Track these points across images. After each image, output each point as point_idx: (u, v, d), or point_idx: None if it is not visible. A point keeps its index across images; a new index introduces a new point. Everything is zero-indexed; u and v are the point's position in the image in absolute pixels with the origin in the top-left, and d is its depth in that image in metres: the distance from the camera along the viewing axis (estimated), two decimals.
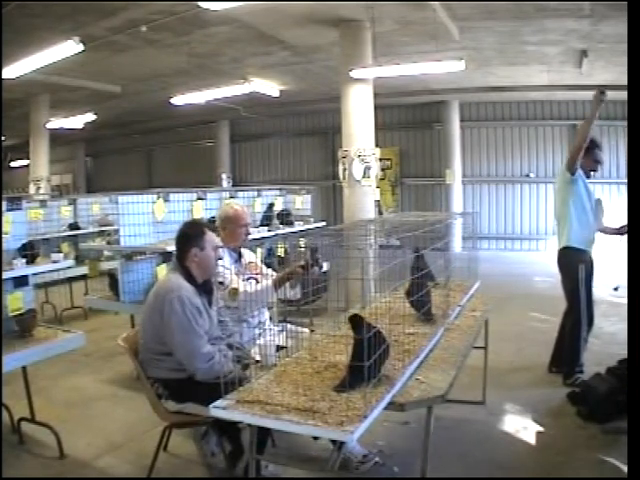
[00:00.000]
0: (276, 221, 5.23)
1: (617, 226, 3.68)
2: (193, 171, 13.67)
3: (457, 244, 7.44)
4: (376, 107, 6.23)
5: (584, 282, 3.55)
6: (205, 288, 2.45)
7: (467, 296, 3.10)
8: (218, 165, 13.01)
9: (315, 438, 2.45)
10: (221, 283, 2.70)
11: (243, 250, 3.04)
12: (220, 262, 2.74)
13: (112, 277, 4.34)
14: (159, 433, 2.44)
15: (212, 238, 2.47)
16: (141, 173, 14.96)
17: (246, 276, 2.97)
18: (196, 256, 2.40)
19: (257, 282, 2.99)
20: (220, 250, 2.89)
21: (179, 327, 2.24)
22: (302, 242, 4.85)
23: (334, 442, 2.17)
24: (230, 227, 3.03)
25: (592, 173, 3.67)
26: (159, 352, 2.33)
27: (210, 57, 7.20)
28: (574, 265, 3.55)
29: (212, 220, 4.32)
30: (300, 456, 2.67)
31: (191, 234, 2.45)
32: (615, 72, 7.64)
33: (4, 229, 3.07)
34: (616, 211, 8.67)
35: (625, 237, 3.55)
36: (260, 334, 2.73)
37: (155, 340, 2.33)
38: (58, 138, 11.57)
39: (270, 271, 3.18)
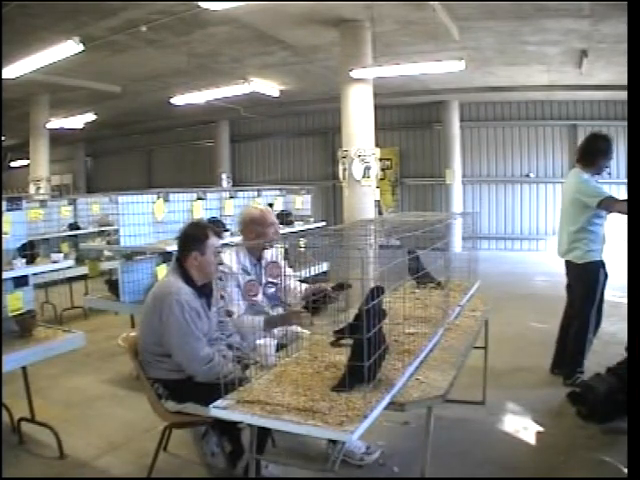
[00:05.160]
0: None
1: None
2: (193, 171, 13.67)
3: (457, 244, 7.46)
4: (376, 107, 6.22)
5: (601, 285, 3.52)
6: (204, 290, 2.44)
7: (467, 296, 3.10)
8: (218, 165, 13.00)
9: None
10: (222, 297, 2.63)
11: (267, 252, 2.94)
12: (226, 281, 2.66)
13: (110, 282, 4.33)
14: (159, 433, 2.45)
15: (214, 243, 2.44)
16: (141, 173, 14.96)
17: (264, 281, 2.88)
18: (196, 260, 2.39)
19: (275, 286, 2.91)
20: (240, 255, 2.82)
21: (177, 330, 2.24)
22: (302, 242, 4.88)
23: (333, 442, 2.17)
24: (258, 229, 2.90)
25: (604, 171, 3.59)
26: (158, 353, 2.33)
27: (210, 57, 7.20)
28: (596, 273, 3.50)
29: (212, 220, 4.33)
30: (300, 456, 2.67)
31: (194, 237, 2.43)
32: (615, 72, 7.65)
33: (4, 229, 3.07)
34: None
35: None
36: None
37: (154, 342, 2.33)
38: (58, 138, 11.56)
39: (291, 271, 3.12)
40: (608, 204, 3.35)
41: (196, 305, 2.32)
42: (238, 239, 3.01)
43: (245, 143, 13.39)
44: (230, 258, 2.79)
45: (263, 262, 2.91)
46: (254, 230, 2.91)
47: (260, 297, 2.83)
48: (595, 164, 3.52)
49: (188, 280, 2.37)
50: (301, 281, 3.16)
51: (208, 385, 2.06)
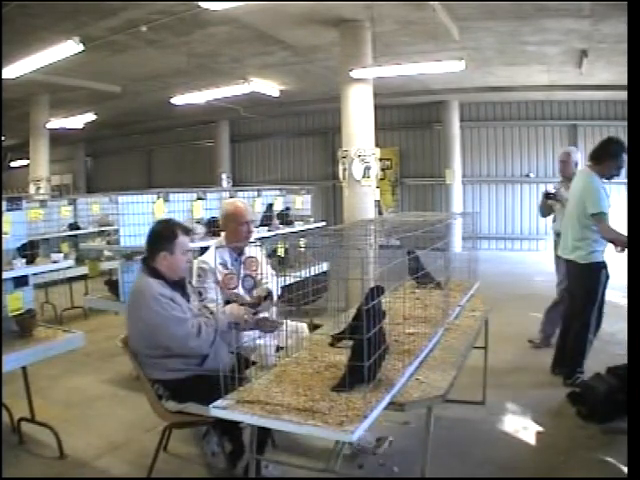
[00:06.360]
0: (276, 221, 5.23)
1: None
2: (193, 171, 13.68)
3: (457, 244, 7.46)
4: (376, 107, 6.22)
5: (602, 285, 3.51)
6: (178, 283, 2.43)
7: (467, 296, 3.10)
8: (218, 165, 13.00)
9: None
10: (200, 294, 2.69)
11: (247, 248, 3.01)
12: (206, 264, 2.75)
13: (110, 282, 4.34)
14: (159, 433, 2.45)
15: (183, 242, 2.42)
16: (141, 173, 14.96)
17: (242, 275, 2.96)
18: (165, 259, 2.37)
19: (253, 279, 2.99)
20: (221, 251, 2.90)
21: (163, 322, 2.23)
22: (302, 242, 4.88)
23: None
24: (231, 225, 3.01)
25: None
26: (153, 356, 2.33)
27: (210, 57, 7.19)
28: (597, 274, 3.48)
29: (213, 220, 4.32)
30: (300, 456, 2.67)
31: (162, 236, 2.41)
32: (615, 72, 7.64)
33: (4, 229, 3.07)
34: (617, 212, 8.70)
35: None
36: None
37: (146, 345, 2.32)
38: (58, 138, 11.56)
39: (268, 268, 3.15)
40: (599, 221, 3.34)
41: (169, 293, 2.31)
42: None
43: (245, 143, 13.39)
44: (210, 254, 2.89)
45: (243, 257, 3.00)
46: (228, 225, 3.03)
47: (240, 289, 2.91)
48: (604, 167, 3.49)
49: (158, 276, 2.36)
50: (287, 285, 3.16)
51: (208, 384, 2.06)
